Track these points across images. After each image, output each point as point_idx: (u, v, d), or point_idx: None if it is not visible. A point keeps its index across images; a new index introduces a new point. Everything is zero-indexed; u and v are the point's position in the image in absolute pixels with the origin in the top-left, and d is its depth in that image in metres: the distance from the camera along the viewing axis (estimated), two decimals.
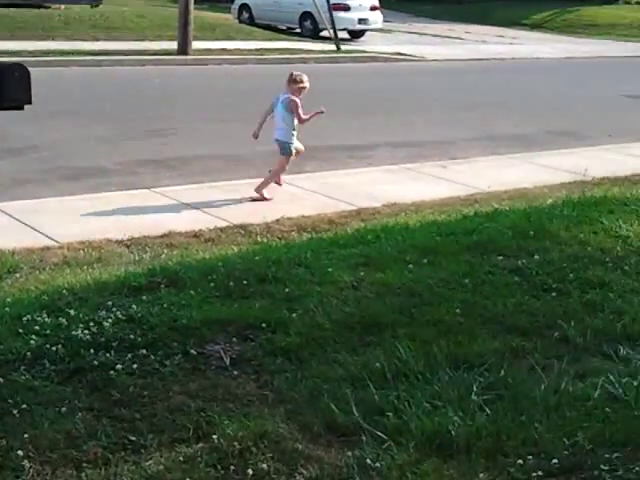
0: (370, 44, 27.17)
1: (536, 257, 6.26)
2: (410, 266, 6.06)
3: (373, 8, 29.32)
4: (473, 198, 9.33)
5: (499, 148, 12.50)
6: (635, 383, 4.35)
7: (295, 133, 9.04)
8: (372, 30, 29.45)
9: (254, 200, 8.86)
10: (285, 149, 9.07)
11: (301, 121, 9.02)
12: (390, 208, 8.75)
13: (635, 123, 15.01)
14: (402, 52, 24.87)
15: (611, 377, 4.42)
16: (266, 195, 8.95)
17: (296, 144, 9.12)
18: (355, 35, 29.14)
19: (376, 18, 29.40)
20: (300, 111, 8.91)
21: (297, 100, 8.92)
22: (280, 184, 9.26)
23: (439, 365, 4.56)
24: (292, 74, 9.01)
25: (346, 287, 5.68)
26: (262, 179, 9.07)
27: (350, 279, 5.81)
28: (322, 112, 9.23)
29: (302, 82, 8.95)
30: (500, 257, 6.28)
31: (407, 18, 36.86)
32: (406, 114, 15.22)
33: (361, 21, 28.80)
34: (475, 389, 4.28)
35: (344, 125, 13.79)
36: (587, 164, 11.07)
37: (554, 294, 5.63)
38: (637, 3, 37.86)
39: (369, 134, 13.21)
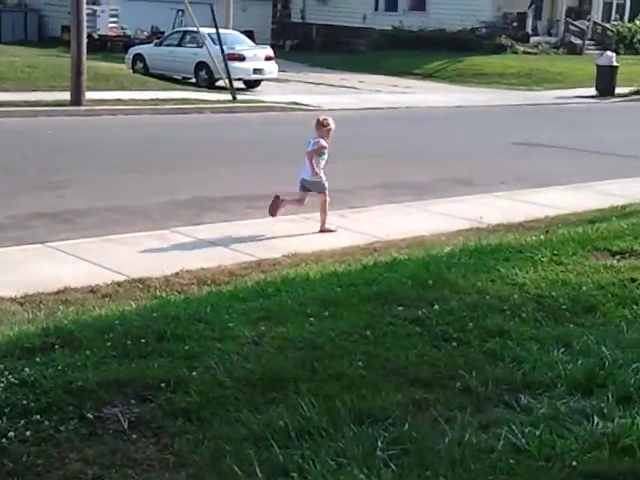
0: (266, 94, 27.31)
1: (436, 307, 6.28)
2: (311, 319, 6.01)
3: (268, 58, 29.53)
4: (372, 247, 9.38)
5: (396, 196, 12.63)
6: (537, 432, 4.37)
7: (322, 171, 9.99)
8: (268, 80, 29.63)
9: (322, 232, 9.91)
10: (319, 187, 10.03)
11: (312, 166, 9.89)
12: (290, 259, 8.72)
13: (525, 170, 15.39)
14: (298, 102, 25.06)
15: (514, 427, 4.43)
16: (332, 228, 10.02)
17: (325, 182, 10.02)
18: (251, 85, 29.27)
19: (271, 68, 29.61)
20: (320, 159, 9.93)
21: (325, 144, 9.89)
22: (333, 231, 10.04)
23: (343, 421, 4.51)
24: (319, 119, 9.99)
25: (247, 342, 5.59)
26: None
27: (251, 334, 5.72)
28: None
29: (329, 125, 9.93)
30: (400, 307, 6.29)
31: (302, 68, 37.25)
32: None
33: (256, 71, 28.95)
34: (380, 444, 4.24)
35: (242, 175, 13.78)
36: (482, 211, 11.29)
37: (455, 344, 5.65)
38: (524, 52, 39.10)
39: (268, 184, 13.16)
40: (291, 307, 6.29)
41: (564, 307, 6.40)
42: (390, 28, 41.79)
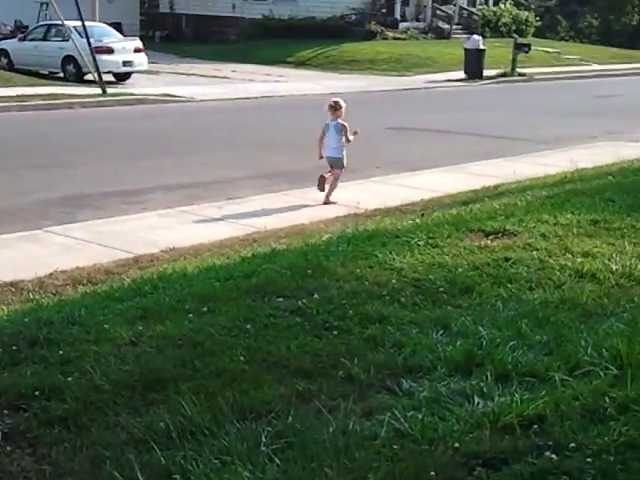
0: (137, 86, 26.85)
1: (315, 296, 6.26)
2: (190, 315, 5.91)
3: (137, 50, 29.03)
4: (251, 238, 9.33)
5: (275, 185, 12.60)
6: (420, 416, 4.39)
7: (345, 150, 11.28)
8: (138, 72, 29.13)
9: (326, 203, 11.11)
10: (339, 163, 11.32)
11: (348, 141, 11.32)
12: (169, 254, 8.59)
13: (400, 154, 15.59)
14: (170, 93, 24.73)
15: (396, 412, 4.44)
16: (334, 200, 11.13)
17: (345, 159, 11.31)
18: (121, 78, 28.71)
19: (141, 60, 29.12)
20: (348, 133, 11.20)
21: (346, 124, 11.20)
22: (334, 203, 11.16)
23: (226, 417, 4.44)
24: (332, 103, 11.36)
25: (124, 343, 5.45)
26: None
27: (128, 334, 5.57)
28: (356, 133, 11.31)
29: (342, 107, 11.32)
30: (280, 299, 6.24)
31: (173, 59, 36.76)
32: (180, 156, 15.10)
33: (126, 63, 28.42)
34: (264, 439, 4.19)
35: (116, 170, 13.51)
36: (359, 196, 11.38)
37: (336, 332, 5.63)
38: (394, 38, 39.53)
39: (143, 178, 12.98)
40: (169, 304, 6.17)
41: (441, 289, 6.47)
42: (260, 17, 41.63)
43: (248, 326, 5.70)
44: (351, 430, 4.28)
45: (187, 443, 4.18)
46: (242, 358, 5.18)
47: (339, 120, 11.28)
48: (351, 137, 11.28)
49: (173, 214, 10.55)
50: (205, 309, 6.05)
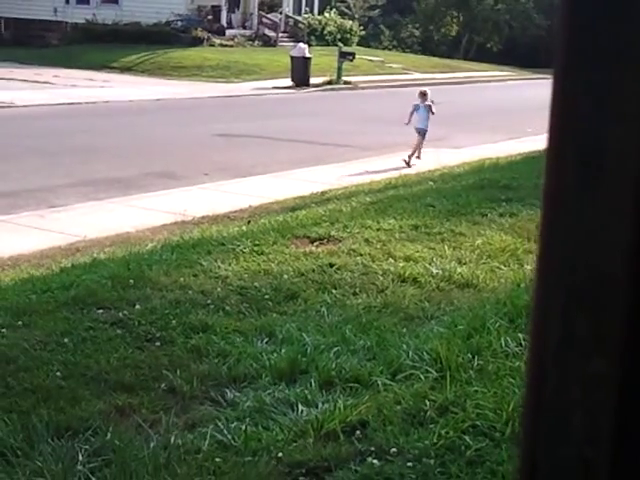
0: None
1: (138, 307, 6.10)
2: (3, 330, 5.63)
3: None
4: (75, 247, 9.01)
5: (99, 193, 12.25)
6: (243, 427, 4.33)
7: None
8: None
9: (407, 163, 14.63)
10: (423, 133, 15.12)
11: (433, 114, 15.44)
12: None
13: (229, 161, 15.50)
14: None
15: (219, 424, 4.37)
16: (412, 162, 14.78)
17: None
18: None
19: None
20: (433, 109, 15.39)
21: (432, 104, 15.45)
22: (419, 157, 15.16)
23: (40, 437, 4.24)
24: (423, 91, 15.93)
25: None
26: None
27: None
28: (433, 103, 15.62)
29: (428, 94, 15.71)
30: (100, 310, 6.04)
31: None
32: None
33: None
34: (81, 458, 4.03)
35: None
36: (187, 204, 11.22)
37: (158, 343, 5.50)
38: (220, 45, 39.42)
39: None
40: None
41: (267, 297, 6.44)
42: (83, 21, 40.63)
43: (66, 340, 5.48)
44: (173, 444, 4.17)
45: None
46: (59, 373, 4.97)
47: (428, 102, 15.33)
48: (434, 110, 15.41)
49: None
50: (20, 323, 5.77)
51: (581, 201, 0.72)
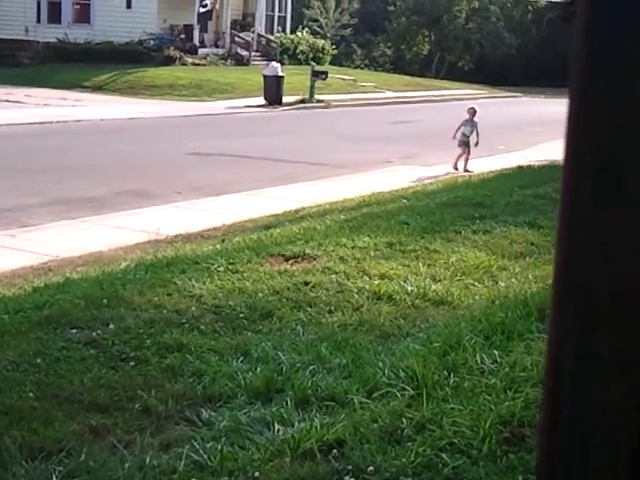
0: None
1: (111, 326, 6.05)
2: None
3: None
4: (47, 267, 8.94)
5: (71, 212, 12.17)
6: (219, 447, 4.29)
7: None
8: None
9: (466, 171, 16.43)
10: (468, 145, 16.54)
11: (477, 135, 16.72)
12: None
13: (202, 180, 15.46)
14: None
15: (195, 444, 4.33)
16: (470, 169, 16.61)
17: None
18: None
19: None
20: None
21: (477, 121, 16.91)
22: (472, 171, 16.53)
23: (13, 458, 4.18)
24: (471, 108, 17.20)
25: None
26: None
27: None
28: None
29: (477, 111, 17.10)
30: (74, 330, 5.98)
31: None
32: None
33: None
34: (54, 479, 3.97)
35: None
36: (160, 222, 11.18)
37: (133, 363, 5.46)
38: (193, 64, 39.42)
39: None
40: None
41: (242, 315, 6.41)
42: (55, 40, 40.52)
43: (39, 360, 5.42)
44: (148, 465, 4.13)
45: None
46: (32, 394, 4.92)
47: (475, 119, 16.79)
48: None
49: None
50: None
51: (598, 216, 0.71)
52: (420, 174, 16.14)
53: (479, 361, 5.20)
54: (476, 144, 16.73)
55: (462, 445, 4.22)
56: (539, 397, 4.57)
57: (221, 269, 7.71)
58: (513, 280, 7.63)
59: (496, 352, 5.32)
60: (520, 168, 16.58)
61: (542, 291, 6.70)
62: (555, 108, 37.36)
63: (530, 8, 60.12)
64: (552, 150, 20.93)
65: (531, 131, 25.95)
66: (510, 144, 22.17)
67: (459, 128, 16.89)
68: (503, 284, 7.51)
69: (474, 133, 16.66)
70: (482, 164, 17.80)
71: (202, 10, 39.61)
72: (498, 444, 4.21)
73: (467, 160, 16.83)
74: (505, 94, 46.33)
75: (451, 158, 17.38)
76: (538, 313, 6.00)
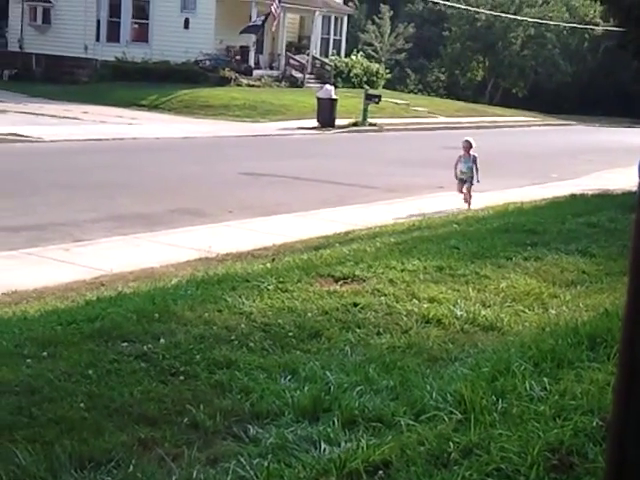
0: None
1: (162, 341, 6.11)
2: (28, 361, 5.66)
3: None
4: (99, 281, 9.07)
5: (124, 228, 12.34)
6: (265, 463, 4.31)
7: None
8: None
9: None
10: (470, 182, 14.97)
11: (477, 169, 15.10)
12: (10, 297, 8.24)
13: (253, 200, 15.58)
14: (18, 133, 24.01)
15: (242, 460, 4.35)
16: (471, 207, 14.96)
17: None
18: None
19: None
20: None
21: (477, 155, 15.16)
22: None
23: (63, 467, 4.25)
24: (466, 142, 15.20)
25: None
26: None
27: None
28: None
29: (474, 146, 15.15)
30: (125, 343, 6.06)
31: (21, 98, 35.78)
32: (24, 197, 14.61)
33: None
34: None
35: None
36: (211, 240, 11.28)
37: (182, 378, 5.51)
38: (248, 85, 39.78)
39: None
40: (5, 349, 5.90)
41: (290, 334, 6.44)
42: (113, 59, 41.19)
43: (90, 372, 5.50)
44: (195, 479, 4.16)
45: None
46: (82, 405, 4.99)
47: (474, 154, 15.13)
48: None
49: (17, 256, 10.16)
50: (45, 354, 5.81)
51: None
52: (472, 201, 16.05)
53: (528, 388, 5.15)
54: (477, 181, 15.17)
55: (509, 471, 4.18)
56: (588, 425, 4.53)
57: (271, 287, 7.75)
58: (564, 308, 7.56)
59: (545, 379, 5.27)
60: (573, 196, 16.42)
61: (593, 320, 6.63)
62: (609, 137, 37.15)
63: (587, 36, 59.75)
64: (606, 179, 20.77)
65: (585, 159, 25.75)
66: (563, 172, 22.02)
67: (456, 165, 15.27)
68: (554, 311, 7.45)
69: (473, 169, 15.02)
70: (535, 192, 17.69)
71: (251, 23, 39.89)
72: (546, 471, 4.17)
73: (469, 203, 15.13)
74: (559, 122, 46.07)
75: (502, 185, 17.31)
76: (589, 342, 5.94)
